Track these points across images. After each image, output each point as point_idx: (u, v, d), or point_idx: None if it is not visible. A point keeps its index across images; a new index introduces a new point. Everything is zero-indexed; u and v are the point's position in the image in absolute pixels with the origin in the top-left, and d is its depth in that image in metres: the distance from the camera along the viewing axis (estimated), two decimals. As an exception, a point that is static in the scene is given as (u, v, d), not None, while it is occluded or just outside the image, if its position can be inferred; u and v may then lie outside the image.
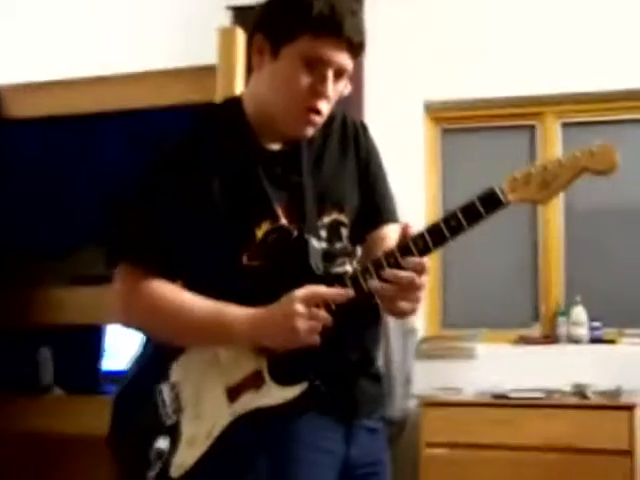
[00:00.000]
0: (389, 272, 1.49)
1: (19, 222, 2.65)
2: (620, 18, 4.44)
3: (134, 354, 1.75)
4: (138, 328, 1.69)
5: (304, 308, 1.48)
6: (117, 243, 1.68)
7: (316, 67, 1.57)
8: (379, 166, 1.79)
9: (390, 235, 1.71)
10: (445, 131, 4.92)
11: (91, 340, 3.04)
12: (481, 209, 1.50)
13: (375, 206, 1.76)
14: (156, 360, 1.68)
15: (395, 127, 4.59)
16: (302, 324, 1.48)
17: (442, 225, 1.51)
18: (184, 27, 4.47)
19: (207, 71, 1.95)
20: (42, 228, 2.63)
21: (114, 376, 2.83)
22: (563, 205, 4.60)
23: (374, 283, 1.51)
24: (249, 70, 1.70)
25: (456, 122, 4.88)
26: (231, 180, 1.62)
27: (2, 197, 2.64)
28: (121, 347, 3.03)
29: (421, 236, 1.51)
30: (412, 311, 1.55)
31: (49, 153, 2.64)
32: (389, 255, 1.52)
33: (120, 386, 1.76)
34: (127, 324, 1.68)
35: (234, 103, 1.73)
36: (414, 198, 4.44)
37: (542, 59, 4.52)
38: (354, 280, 1.53)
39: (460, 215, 1.50)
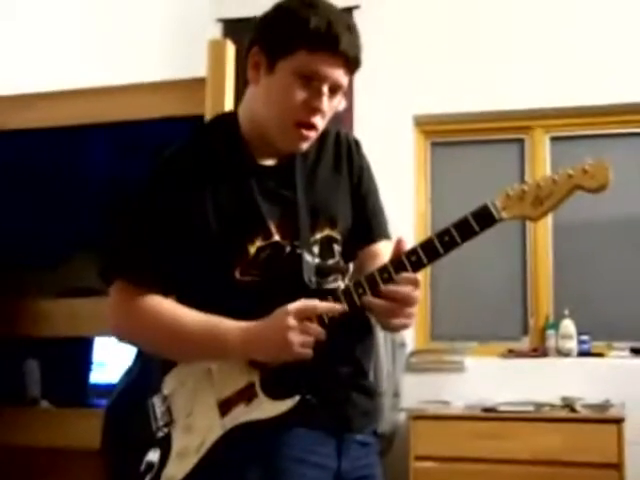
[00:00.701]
0: (384, 288, 1.50)
1: (7, 232, 2.64)
2: (608, 34, 4.48)
3: (126, 367, 1.75)
4: (132, 342, 1.69)
5: (297, 321, 1.48)
6: (111, 259, 1.67)
7: (312, 82, 1.57)
8: (371, 183, 1.79)
9: (382, 252, 1.71)
10: (434, 144, 4.94)
11: (79, 352, 3.02)
12: (475, 225, 1.51)
13: (367, 223, 1.76)
14: (148, 373, 1.68)
15: (385, 140, 4.60)
16: (295, 337, 1.48)
17: (435, 241, 1.52)
18: (175, 39, 4.48)
19: (196, 83, 1.95)
20: (31, 238, 2.62)
21: (102, 389, 2.81)
22: (552, 219, 4.62)
23: (368, 299, 1.51)
24: (244, 83, 1.70)
25: (445, 135, 4.90)
26: (224, 195, 1.61)
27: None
28: (110, 360, 3.01)
29: (414, 251, 1.52)
30: (405, 326, 1.56)
31: (37, 163, 2.64)
32: (383, 270, 1.52)
33: (112, 398, 1.75)
34: (121, 338, 1.68)
35: (229, 118, 1.72)
36: (403, 210, 4.46)
37: (531, 73, 4.55)
38: (347, 295, 1.54)
39: (454, 231, 1.51)
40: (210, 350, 1.57)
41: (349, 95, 4.70)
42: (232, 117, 1.72)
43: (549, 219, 4.59)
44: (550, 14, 4.57)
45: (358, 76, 4.67)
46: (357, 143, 1.79)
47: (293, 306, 1.50)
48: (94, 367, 3.03)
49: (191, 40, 3.91)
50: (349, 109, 4.72)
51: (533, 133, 4.71)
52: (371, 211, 1.77)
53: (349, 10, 4.72)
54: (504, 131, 4.79)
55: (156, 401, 1.63)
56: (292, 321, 1.48)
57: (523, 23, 4.60)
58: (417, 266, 1.52)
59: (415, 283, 1.52)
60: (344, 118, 4.70)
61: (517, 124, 4.73)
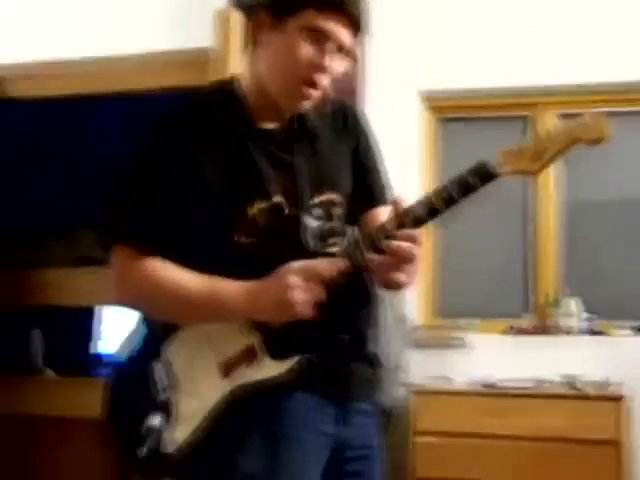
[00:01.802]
0: (384, 243, 1.50)
1: (16, 203, 2.64)
2: (615, 11, 4.43)
3: (128, 336, 1.75)
4: (134, 306, 1.69)
5: (299, 280, 1.48)
6: (109, 224, 1.67)
7: (318, 40, 1.58)
8: (373, 147, 1.80)
9: (382, 213, 1.72)
10: (441, 120, 4.92)
11: (83, 323, 3.04)
12: (473, 181, 1.50)
13: (369, 187, 1.77)
14: (149, 340, 1.68)
15: (391, 116, 4.58)
16: (297, 296, 1.48)
17: (434, 197, 1.52)
18: (183, 10, 4.44)
19: (202, 53, 1.94)
20: (38, 210, 2.63)
21: (105, 359, 2.83)
22: (555, 197, 4.61)
23: (368, 255, 1.51)
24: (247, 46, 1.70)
25: (452, 112, 4.88)
26: (223, 157, 1.62)
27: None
28: (112, 331, 3.03)
29: (413, 208, 1.52)
30: (408, 283, 1.55)
31: (47, 134, 2.64)
32: (382, 228, 1.52)
33: (115, 368, 1.76)
34: (123, 302, 1.68)
35: (229, 82, 1.72)
36: (410, 186, 4.43)
37: (538, 51, 4.51)
38: (349, 254, 1.54)
39: (453, 187, 1.51)
40: (213, 312, 1.58)
41: (356, 71, 4.68)
42: (231, 82, 1.72)
43: (552, 196, 4.59)
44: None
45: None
46: (357, 109, 1.80)
47: (295, 265, 1.50)
48: (96, 337, 3.04)
49: (198, 10, 3.89)
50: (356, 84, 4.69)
51: (539, 110, 4.68)
52: (372, 175, 1.78)
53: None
54: (511, 108, 4.76)
55: (157, 366, 1.63)
56: (294, 280, 1.48)
57: (531, 0, 4.57)
58: (416, 223, 1.51)
59: (415, 239, 1.51)
60: (351, 93, 4.68)
61: (524, 101, 4.70)
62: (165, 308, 1.62)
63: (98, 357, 2.95)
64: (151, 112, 1.70)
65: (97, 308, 2.93)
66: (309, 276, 1.49)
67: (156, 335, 1.66)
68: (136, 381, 1.66)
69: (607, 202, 4.58)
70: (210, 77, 2.21)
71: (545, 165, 1.51)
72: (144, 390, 1.63)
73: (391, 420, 4.34)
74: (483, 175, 1.50)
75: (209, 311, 1.58)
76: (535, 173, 1.53)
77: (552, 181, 4.60)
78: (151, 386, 1.63)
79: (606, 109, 4.51)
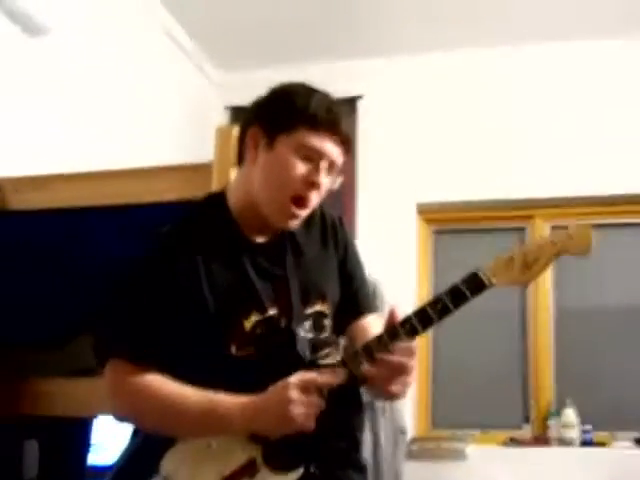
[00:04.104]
0: (380, 357, 1.52)
1: (12, 311, 2.66)
2: (610, 125, 4.56)
3: (123, 447, 1.74)
4: (132, 421, 1.69)
5: (299, 394, 1.50)
6: (107, 337, 1.68)
7: (311, 158, 1.63)
8: (356, 259, 1.85)
9: (370, 324, 1.77)
10: (437, 232, 4.98)
11: (79, 433, 3.00)
12: (466, 292, 1.54)
13: (354, 297, 1.81)
14: (145, 453, 1.67)
15: (388, 227, 4.67)
16: (297, 410, 1.49)
17: (429, 308, 1.55)
18: (185, 126, 4.59)
19: (203, 168, 2.00)
20: (36, 317, 2.64)
21: (100, 471, 2.79)
22: (553, 306, 4.63)
23: (366, 368, 1.53)
24: (238, 163, 1.76)
25: (448, 223, 4.96)
26: (218, 272, 1.65)
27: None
28: (108, 441, 2.99)
29: (408, 320, 1.55)
30: (402, 393, 1.58)
31: (44, 244, 2.68)
32: (378, 340, 1.55)
33: (109, 480, 1.74)
34: (121, 418, 1.68)
35: (218, 197, 1.77)
36: (406, 296, 4.47)
37: (533, 163, 4.62)
38: (345, 366, 1.56)
39: (446, 298, 1.54)
40: (212, 427, 1.58)
41: (352, 182, 4.78)
42: (220, 197, 1.76)
43: (550, 305, 4.61)
44: (550, 106, 4.67)
45: (361, 163, 4.75)
46: (341, 219, 1.85)
47: (294, 379, 1.51)
48: (92, 448, 3.01)
49: (202, 126, 4.03)
50: (351, 197, 4.78)
51: (534, 222, 4.76)
52: (358, 286, 1.82)
53: (352, 100, 4.83)
54: (506, 220, 4.84)
55: None
56: (294, 394, 1.49)
57: (524, 114, 4.70)
58: (412, 334, 1.54)
59: (411, 352, 1.54)
60: (347, 204, 4.77)
61: (518, 213, 4.78)
62: (161, 422, 1.62)
63: (95, 469, 2.91)
64: (151, 223, 1.74)
65: (94, 419, 2.90)
66: (309, 389, 1.51)
67: (152, 447, 1.64)
68: None
69: (605, 311, 4.60)
70: (211, 190, 2.27)
71: (534, 276, 1.56)
72: None
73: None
74: (475, 286, 1.54)
75: (207, 425, 1.58)
76: (525, 284, 1.58)
77: (547, 290, 4.63)
78: None
79: (600, 221, 4.60)
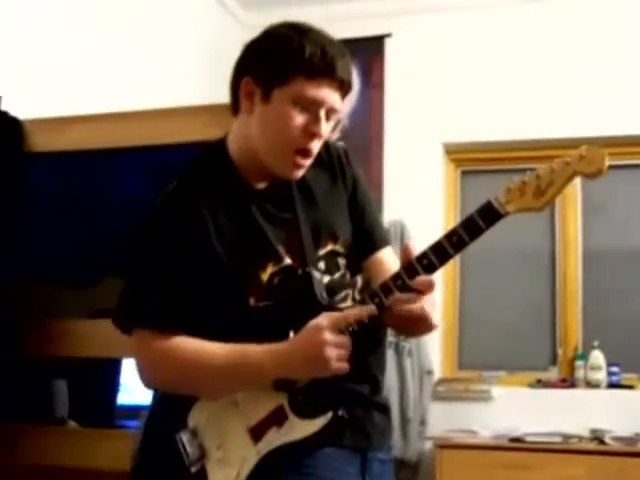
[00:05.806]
0: (399, 296, 1.51)
1: (42, 251, 2.67)
2: (632, 67, 4.48)
3: (150, 399, 1.73)
4: (163, 388, 1.67)
5: (332, 336, 1.47)
6: (128, 308, 1.66)
7: (309, 108, 1.57)
8: (365, 192, 1.79)
9: (386, 259, 1.73)
10: (464, 172, 4.94)
11: (107, 374, 3.03)
12: (481, 223, 1.51)
13: (367, 232, 1.76)
14: (172, 406, 1.65)
15: (415, 168, 4.64)
16: (332, 352, 1.47)
17: (444, 242, 1.52)
18: (210, 65, 4.54)
19: (224, 108, 1.97)
20: (65, 258, 2.65)
21: (129, 410, 2.82)
22: (581, 249, 4.60)
23: (392, 299, 1.51)
24: (234, 111, 1.70)
25: (475, 164, 4.91)
26: (228, 225, 1.61)
27: (26, 227, 2.67)
28: (137, 381, 3.01)
29: (425, 255, 1.52)
30: (429, 330, 1.56)
31: (72, 185, 2.68)
32: (396, 277, 1.52)
33: (139, 433, 1.72)
34: (151, 386, 1.67)
35: (218, 147, 1.71)
36: (433, 237, 4.44)
37: (562, 104, 4.56)
38: (371, 301, 1.53)
39: (461, 230, 1.51)
40: (244, 377, 1.56)
41: (380, 123, 4.73)
42: (220, 145, 1.71)
43: (578, 248, 4.58)
44: (577, 46, 4.59)
45: (389, 104, 4.69)
46: (346, 152, 1.79)
47: (325, 320, 1.49)
48: (121, 388, 3.04)
49: (225, 66, 3.96)
50: (379, 137, 4.74)
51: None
52: (369, 220, 1.77)
53: (381, 38, 4.76)
54: (533, 160, 4.76)
55: (184, 436, 1.59)
56: (328, 335, 1.47)
57: (551, 55, 4.62)
58: (429, 269, 1.52)
59: (430, 286, 1.52)
60: (374, 144, 4.73)
61: (545, 153, 4.70)
62: (195, 383, 1.60)
63: (124, 408, 2.94)
64: (173, 165, 1.71)
65: (121, 360, 2.93)
66: (341, 330, 1.48)
67: (178, 399, 1.63)
68: (164, 452, 1.62)
69: (633, 253, 4.56)
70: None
71: (548, 201, 1.52)
72: (175, 462, 1.59)
73: (416, 474, 4.30)
74: (490, 216, 1.51)
75: (239, 376, 1.56)
76: (539, 209, 1.54)
77: (575, 233, 4.59)
78: (183, 458, 1.59)
79: (626, 161, 4.53)
